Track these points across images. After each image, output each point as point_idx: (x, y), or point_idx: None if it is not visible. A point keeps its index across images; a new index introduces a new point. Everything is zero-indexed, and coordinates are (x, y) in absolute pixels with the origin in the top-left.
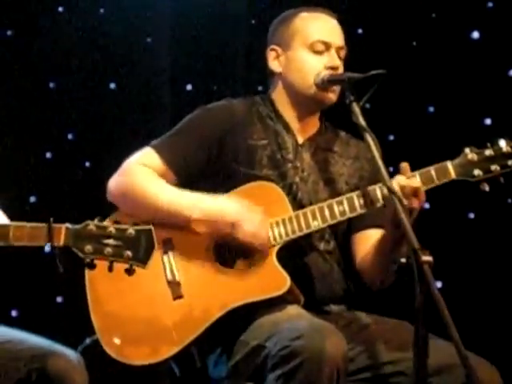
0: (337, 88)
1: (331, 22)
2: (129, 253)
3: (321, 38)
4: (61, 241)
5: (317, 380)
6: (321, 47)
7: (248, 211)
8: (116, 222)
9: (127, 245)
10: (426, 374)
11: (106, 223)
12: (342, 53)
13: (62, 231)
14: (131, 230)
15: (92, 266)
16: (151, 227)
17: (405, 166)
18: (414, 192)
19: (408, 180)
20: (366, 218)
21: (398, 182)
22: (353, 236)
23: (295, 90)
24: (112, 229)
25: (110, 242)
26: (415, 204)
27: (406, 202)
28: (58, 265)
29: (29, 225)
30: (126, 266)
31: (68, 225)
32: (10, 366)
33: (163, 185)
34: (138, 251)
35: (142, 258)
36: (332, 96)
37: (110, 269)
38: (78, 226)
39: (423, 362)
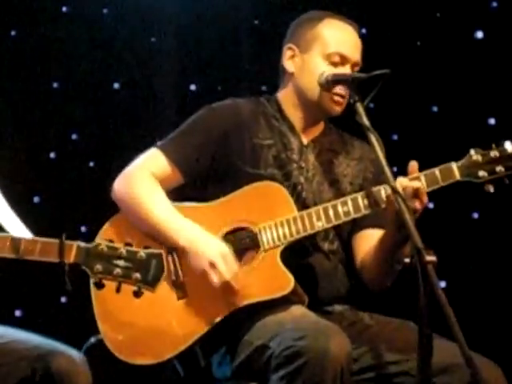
0: (344, 101)
1: (353, 36)
2: (138, 275)
3: (340, 51)
4: (71, 258)
5: (321, 380)
6: (337, 59)
7: (227, 258)
8: (127, 245)
9: (137, 267)
10: (430, 374)
11: (117, 245)
12: (357, 68)
13: (74, 248)
14: (142, 253)
15: (100, 286)
16: (162, 252)
17: (413, 164)
18: (416, 193)
19: (409, 181)
20: (367, 218)
21: (400, 183)
22: (354, 235)
23: (304, 93)
24: (123, 250)
25: (120, 263)
26: (417, 205)
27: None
28: (67, 282)
29: (41, 240)
30: (134, 288)
31: (80, 242)
32: (13, 365)
33: (160, 201)
34: (147, 274)
35: (151, 282)
36: (338, 108)
37: (118, 290)
38: (89, 245)
39: (427, 361)
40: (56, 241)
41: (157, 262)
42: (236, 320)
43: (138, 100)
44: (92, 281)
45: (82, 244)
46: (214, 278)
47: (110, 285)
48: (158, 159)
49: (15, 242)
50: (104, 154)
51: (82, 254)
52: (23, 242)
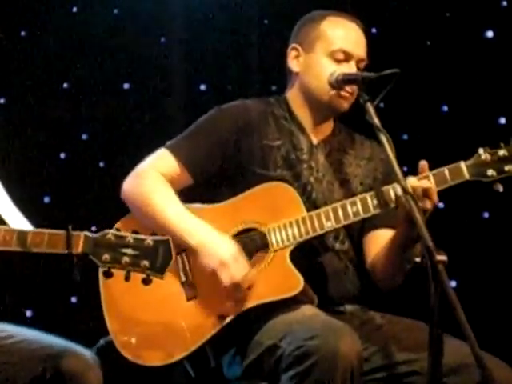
0: (351, 97)
1: (356, 32)
2: (146, 262)
3: (343, 48)
4: (79, 248)
5: (331, 380)
6: (341, 56)
7: (238, 259)
8: (134, 232)
9: (145, 255)
10: (440, 374)
11: (124, 233)
12: (362, 64)
13: (81, 239)
14: (149, 241)
15: (109, 275)
16: (169, 238)
17: (423, 164)
18: (425, 193)
19: (418, 181)
20: (377, 218)
21: (409, 183)
22: (364, 236)
23: (310, 93)
24: (130, 238)
25: (128, 251)
26: (428, 205)
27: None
28: (75, 273)
29: (47, 231)
30: (143, 275)
31: (87, 233)
32: (24, 364)
33: (170, 200)
34: (156, 261)
35: (159, 269)
36: (345, 104)
37: (127, 278)
38: (96, 235)
39: (438, 361)
40: (63, 232)
41: (164, 249)
42: (246, 320)
43: (147, 100)
44: (101, 270)
45: (89, 234)
46: (225, 279)
47: (118, 274)
48: (167, 159)
49: (22, 234)
50: (114, 154)
51: (90, 243)
52: (30, 235)
